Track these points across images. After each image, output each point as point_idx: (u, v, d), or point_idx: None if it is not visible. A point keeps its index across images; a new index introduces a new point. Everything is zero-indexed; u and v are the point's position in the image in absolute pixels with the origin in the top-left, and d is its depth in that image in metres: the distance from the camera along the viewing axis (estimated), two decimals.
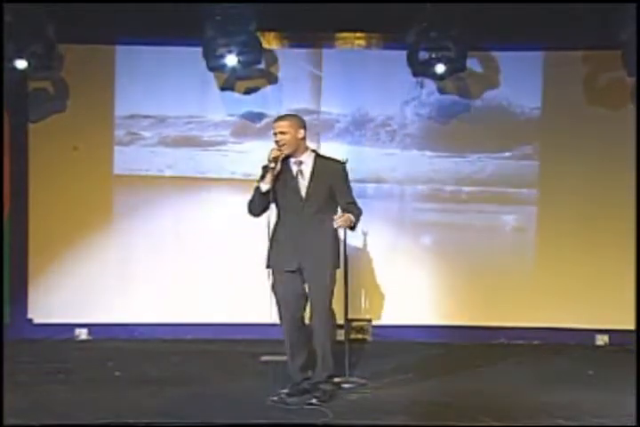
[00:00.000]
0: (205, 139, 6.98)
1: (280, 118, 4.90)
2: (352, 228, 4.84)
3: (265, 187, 4.74)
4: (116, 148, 6.96)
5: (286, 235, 4.81)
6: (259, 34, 6.35)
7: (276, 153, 4.74)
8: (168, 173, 6.96)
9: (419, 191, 6.99)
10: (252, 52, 6.31)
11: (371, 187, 6.88)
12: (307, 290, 4.83)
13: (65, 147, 6.88)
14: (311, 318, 4.83)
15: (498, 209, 6.98)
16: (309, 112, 6.83)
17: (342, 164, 4.94)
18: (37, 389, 5.07)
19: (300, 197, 4.80)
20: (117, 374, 5.54)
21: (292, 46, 6.98)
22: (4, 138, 6.56)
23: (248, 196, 4.90)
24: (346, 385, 5.11)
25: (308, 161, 4.85)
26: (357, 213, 4.82)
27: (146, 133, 6.96)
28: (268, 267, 4.87)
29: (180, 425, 4.34)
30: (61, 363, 5.81)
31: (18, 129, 6.80)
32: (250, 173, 6.73)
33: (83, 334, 6.83)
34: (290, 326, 4.82)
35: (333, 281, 4.83)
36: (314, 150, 4.96)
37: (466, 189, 6.98)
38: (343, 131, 6.93)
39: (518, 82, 6.87)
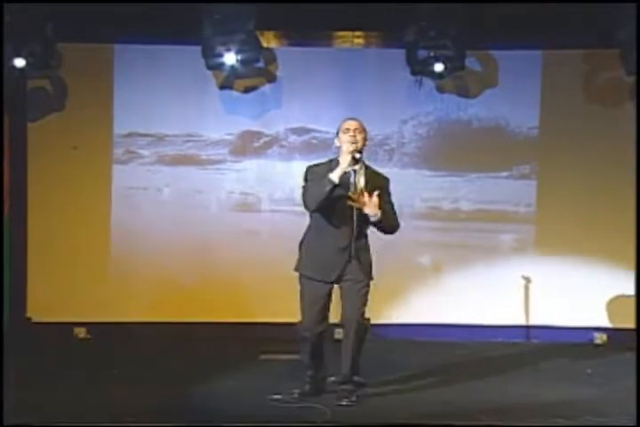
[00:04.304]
0: (204, 157, 6.97)
1: (353, 120, 4.88)
2: (377, 225, 4.77)
3: (336, 178, 4.60)
4: (115, 166, 6.96)
5: (328, 244, 4.75)
6: (257, 33, 6.35)
7: (354, 146, 4.69)
8: (166, 191, 6.97)
9: (416, 210, 6.99)
10: (251, 50, 6.32)
11: None
12: (342, 298, 4.80)
13: (64, 146, 6.88)
14: (343, 320, 4.79)
15: (495, 227, 6.99)
16: (307, 131, 6.87)
17: (389, 180, 4.96)
18: (36, 388, 5.07)
19: (353, 208, 4.71)
20: (116, 372, 5.54)
21: (290, 45, 6.98)
22: (4, 137, 6.54)
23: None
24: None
25: (360, 172, 4.77)
26: (394, 224, 4.86)
27: (144, 152, 6.96)
28: (296, 270, 4.83)
29: (180, 425, 4.34)
30: (60, 362, 5.81)
31: (16, 128, 6.79)
32: (248, 191, 6.78)
33: (82, 332, 6.83)
34: (311, 335, 4.77)
35: (368, 282, 4.81)
36: (363, 161, 4.85)
37: (464, 208, 6.99)
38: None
39: (517, 81, 6.88)
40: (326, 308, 4.79)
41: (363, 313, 4.79)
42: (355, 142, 4.73)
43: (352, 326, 4.75)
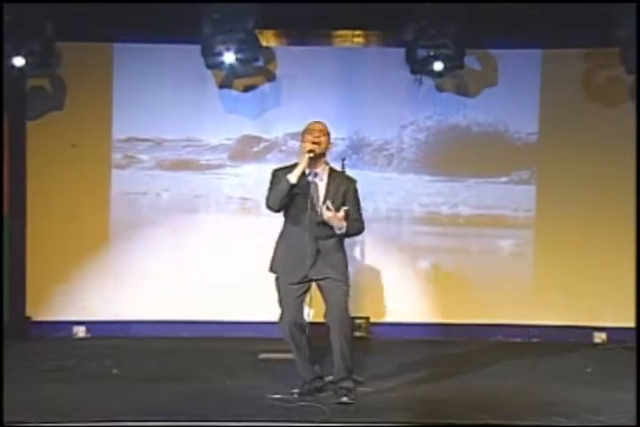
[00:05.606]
0: (203, 162, 6.98)
1: (318, 122, 4.93)
2: (343, 233, 4.84)
3: (293, 179, 4.71)
4: (114, 170, 6.96)
5: (294, 245, 4.82)
6: (257, 32, 6.34)
7: (312, 146, 4.75)
8: (165, 196, 6.97)
9: (416, 215, 7.00)
10: (250, 49, 6.31)
11: (368, 210, 6.81)
12: (323, 293, 4.86)
13: (63, 144, 6.87)
14: (327, 316, 4.84)
15: (495, 232, 7.00)
16: None
17: (355, 181, 4.99)
18: (36, 387, 5.07)
19: (313, 208, 4.78)
20: (115, 371, 5.54)
21: (290, 44, 6.97)
22: (4, 135, 6.54)
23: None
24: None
25: (322, 174, 4.86)
26: (356, 227, 4.88)
27: (143, 157, 6.96)
28: (270, 270, 4.92)
29: (179, 424, 4.34)
30: (60, 361, 5.80)
31: (16, 127, 6.79)
32: (247, 196, 6.76)
33: (81, 331, 6.84)
34: (290, 329, 4.81)
35: (347, 282, 4.87)
36: (328, 164, 4.96)
37: (463, 212, 6.99)
38: (341, 154, 6.81)
39: (516, 80, 6.87)
40: (300, 307, 4.85)
41: (345, 309, 4.82)
42: (318, 143, 4.78)
43: (336, 323, 4.79)
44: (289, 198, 4.76)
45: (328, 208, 4.72)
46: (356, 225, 4.88)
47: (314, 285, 4.90)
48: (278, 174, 4.87)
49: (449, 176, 7.00)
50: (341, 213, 4.71)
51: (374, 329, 6.88)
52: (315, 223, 4.77)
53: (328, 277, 4.81)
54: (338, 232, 4.79)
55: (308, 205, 4.76)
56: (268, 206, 4.86)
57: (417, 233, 7.02)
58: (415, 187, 7.01)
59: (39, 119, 6.86)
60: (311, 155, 4.75)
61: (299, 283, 4.82)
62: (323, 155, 4.86)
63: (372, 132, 6.99)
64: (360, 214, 4.95)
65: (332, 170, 4.95)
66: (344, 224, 4.75)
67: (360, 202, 4.95)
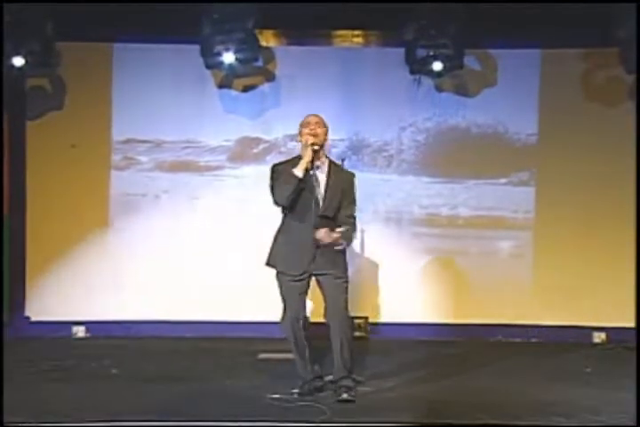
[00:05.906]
0: (202, 164, 6.98)
1: (314, 115, 4.94)
2: (342, 244, 4.85)
3: (300, 173, 4.71)
4: (113, 172, 6.97)
5: (295, 239, 4.82)
6: (256, 31, 6.34)
7: (313, 139, 4.77)
8: (165, 197, 6.98)
9: (415, 216, 7.01)
10: (250, 49, 6.30)
11: (367, 212, 6.77)
12: (322, 289, 4.87)
13: (63, 144, 6.87)
14: (327, 315, 4.86)
15: (494, 234, 7.00)
16: None
17: (354, 174, 5.04)
18: (36, 387, 5.07)
19: (316, 202, 4.79)
20: (115, 371, 5.54)
21: (289, 44, 6.97)
22: (3, 135, 6.54)
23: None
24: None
25: (323, 167, 4.88)
26: (351, 230, 4.88)
27: (142, 158, 6.96)
28: (267, 264, 4.92)
29: (179, 424, 4.34)
30: (59, 361, 5.80)
31: (16, 127, 6.79)
32: (246, 198, 6.76)
33: (80, 331, 6.83)
34: (292, 325, 4.82)
35: (347, 279, 4.89)
36: (327, 157, 4.99)
37: (463, 214, 7.00)
38: (340, 155, 6.70)
39: (516, 80, 6.88)
40: (302, 304, 4.86)
41: (345, 307, 4.84)
42: (314, 135, 4.80)
43: (336, 321, 4.81)
44: (297, 193, 4.75)
45: (328, 235, 4.70)
46: (349, 221, 4.88)
47: (313, 280, 4.89)
48: (278, 169, 4.87)
49: (448, 178, 7.00)
50: (336, 235, 4.70)
51: (374, 329, 6.88)
52: (317, 217, 4.77)
53: (328, 274, 4.81)
54: (338, 248, 4.79)
55: (312, 198, 4.76)
56: (276, 203, 4.84)
57: (416, 234, 7.03)
58: (414, 188, 7.02)
59: (39, 119, 6.86)
60: (315, 147, 4.76)
61: (300, 279, 4.81)
62: (322, 146, 4.86)
63: (371, 133, 6.99)
64: (354, 209, 4.96)
65: (331, 162, 4.96)
66: (344, 242, 4.78)
67: (355, 196, 4.96)
